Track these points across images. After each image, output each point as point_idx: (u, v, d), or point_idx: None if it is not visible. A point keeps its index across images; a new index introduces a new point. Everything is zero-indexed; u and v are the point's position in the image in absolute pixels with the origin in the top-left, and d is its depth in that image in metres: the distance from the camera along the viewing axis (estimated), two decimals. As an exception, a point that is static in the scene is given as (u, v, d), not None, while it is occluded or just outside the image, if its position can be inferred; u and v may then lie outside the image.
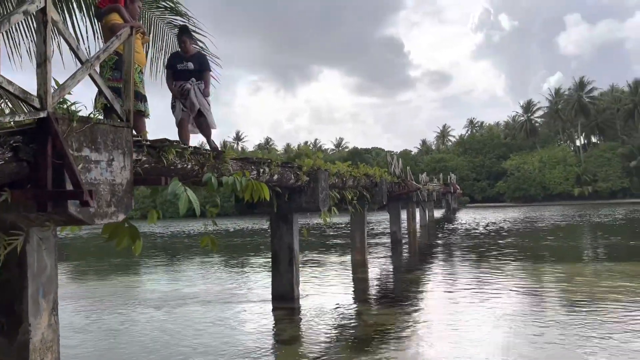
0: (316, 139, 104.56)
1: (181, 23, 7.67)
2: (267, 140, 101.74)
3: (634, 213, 38.92)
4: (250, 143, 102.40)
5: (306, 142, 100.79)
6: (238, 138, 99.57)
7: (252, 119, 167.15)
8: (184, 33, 7.25)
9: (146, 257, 19.97)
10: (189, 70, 7.13)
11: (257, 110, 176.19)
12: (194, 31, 7.69)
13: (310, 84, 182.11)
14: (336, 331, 8.09)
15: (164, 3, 7.47)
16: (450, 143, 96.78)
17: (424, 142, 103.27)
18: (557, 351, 6.53)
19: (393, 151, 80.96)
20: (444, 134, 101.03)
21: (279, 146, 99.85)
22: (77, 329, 8.65)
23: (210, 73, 7.37)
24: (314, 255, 18.59)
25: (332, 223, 34.23)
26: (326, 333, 7.94)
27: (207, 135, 7.33)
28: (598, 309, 8.65)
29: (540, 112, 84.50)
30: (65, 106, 4.06)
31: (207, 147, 7.14)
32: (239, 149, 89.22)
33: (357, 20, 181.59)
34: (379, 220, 37.56)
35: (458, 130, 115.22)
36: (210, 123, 7.24)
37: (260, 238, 27.46)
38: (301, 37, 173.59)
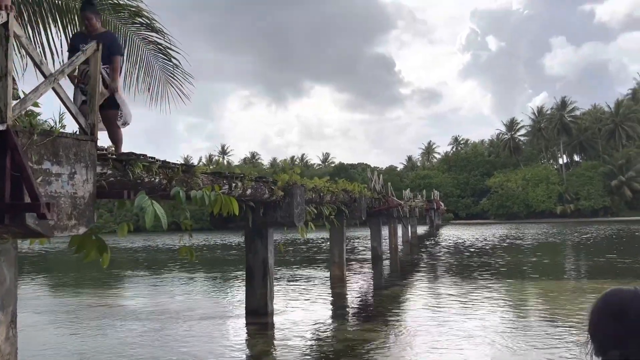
0: (303, 154, 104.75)
1: (157, 39, 7.73)
2: (253, 155, 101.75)
3: (614, 232, 39.42)
4: (236, 157, 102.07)
5: (293, 157, 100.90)
6: (224, 152, 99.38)
7: (242, 134, 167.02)
8: (88, 8, 5.82)
9: (126, 271, 19.80)
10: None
11: (247, 124, 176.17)
12: (169, 48, 7.74)
13: (301, 99, 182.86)
14: (308, 346, 8.09)
15: (139, 19, 7.52)
16: (435, 160, 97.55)
17: (409, 158, 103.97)
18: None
19: (379, 167, 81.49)
20: (429, 150, 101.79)
21: (266, 160, 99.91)
22: (53, 341, 8.56)
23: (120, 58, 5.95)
24: (292, 270, 18.57)
25: (315, 238, 34.24)
26: (297, 348, 7.94)
27: (115, 135, 5.80)
28: (580, 325, 8.73)
29: (523, 131, 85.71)
30: (29, 118, 4.10)
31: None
32: (225, 162, 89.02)
33: (350, 38, 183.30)
34: (362, 235, 37.61)
35: (443, 147, 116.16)
36: (125, 116, 5.80)
37: (234, 252, 27.36)
38: (294, 53, 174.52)
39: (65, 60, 6.01)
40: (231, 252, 28.27)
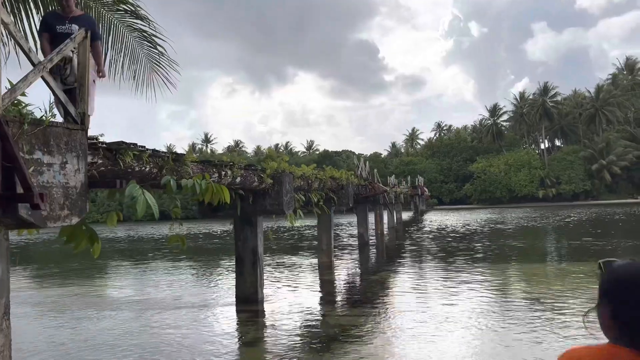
0: (287, 142, 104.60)
1: (142, 27, 7.61)
2: (237, 143, 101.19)
3: (594, 215, 40.13)
4: (220, 145, 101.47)
5: (277, 145, 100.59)
6: (207, 140, 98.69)
7: (225, 121, 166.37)
8: None
9: (109, 261, 19.66)
10: (73, 35, 5.08)
11: (230, 112, 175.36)
12: (154, 35, 7.63)
13: (285, 86, 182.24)
14: (299, 332, 8.14)
15: (124, 6, 7.40)
16: (419, 146, 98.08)
17: (393, 145, 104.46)
18: (521, 350, 6.70)
19: (363, 154, 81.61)
20: (412, 137, 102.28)
21: (250, 148, 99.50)
22: (40, 333, 8.49)
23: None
24: (280, 257, 18.61)
25: (298, 225, 34.31)
26: (289, 334, 7.99)
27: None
28: (561, 308, 8.90)
29: (506, 116, 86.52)
30: (17, 108, 4.03)
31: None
32: (208, 151, 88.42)
33: (333, 25, 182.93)
34: (346, 222, 37.78)
35: (427, 133, 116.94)
36: (90, 107, 5.17)
37: (217, 241, 27.31)
38: (278, 40, 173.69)
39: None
40: (214, 241, 28.20)
